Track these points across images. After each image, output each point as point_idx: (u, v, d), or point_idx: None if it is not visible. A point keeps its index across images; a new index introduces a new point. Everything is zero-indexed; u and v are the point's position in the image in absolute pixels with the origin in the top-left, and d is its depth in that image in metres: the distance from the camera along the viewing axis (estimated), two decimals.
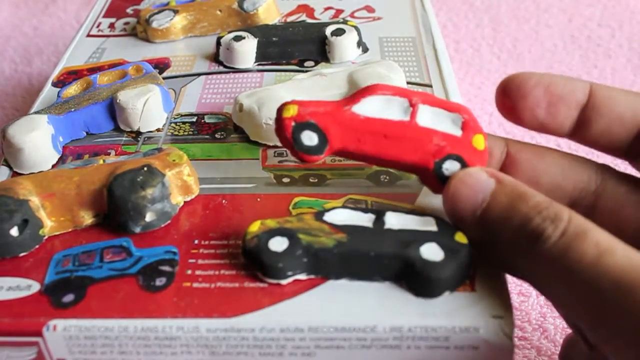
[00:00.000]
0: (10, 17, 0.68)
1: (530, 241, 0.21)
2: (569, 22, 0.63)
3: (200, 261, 0.25)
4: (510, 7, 0.66)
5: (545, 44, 0.60)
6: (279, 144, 0.31)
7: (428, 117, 0.25)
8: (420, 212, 0.26)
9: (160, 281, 0.24)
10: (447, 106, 0.25)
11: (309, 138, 0.24)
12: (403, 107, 0.25)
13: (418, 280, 0.23)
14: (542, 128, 0.26)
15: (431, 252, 0.23)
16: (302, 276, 0.24)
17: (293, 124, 0.24)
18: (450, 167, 0.25)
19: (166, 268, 0.25)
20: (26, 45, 0.63)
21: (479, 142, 0.25)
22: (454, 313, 0.22)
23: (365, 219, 0.25)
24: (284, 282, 0.24)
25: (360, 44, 0.37)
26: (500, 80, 0.26)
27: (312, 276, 0.24)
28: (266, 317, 0.23)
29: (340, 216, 0.25)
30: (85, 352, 0.23)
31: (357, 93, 0.25)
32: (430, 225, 0.24)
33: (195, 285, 0.24)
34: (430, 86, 0.34)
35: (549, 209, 0.22)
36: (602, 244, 0.20)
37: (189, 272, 0.25)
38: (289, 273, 0.24)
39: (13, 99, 0.56)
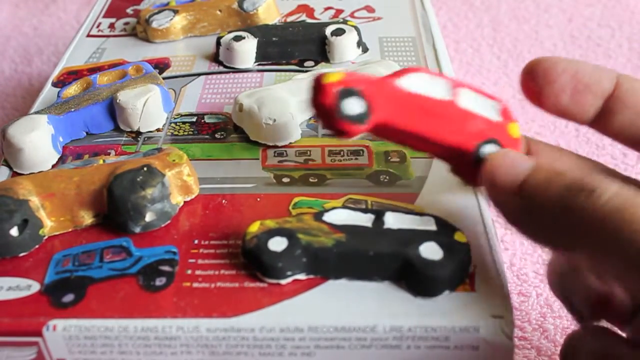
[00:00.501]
0: (10, 17, 0.68)
1: (581, 196, 0.21)
2: (569, 22, 0.63)
3: (200, 261, 0.25)
4: (510, 7, 0.66)
5: (545, 44, 0.60)
6: (279, 143, 0.31)
7: (469, 100, 0.24)
8: (420, 212, 0.26)
9: (160, 281, 0.24)
10: (485, 94, 0.25)
11: (352, 106, 0.22)
12: (446, 88, 0.24)
13: (417, 280, 0.23)
14: (564, 114, 0.25)
15: (430, 251, 0.23)
16: (301, 276, 0.24)
17: (337, 89, 0.22)
18: (489, 151, 0.24)
19: (166, 268, 0.25)
20: (26, 45, 0.63)
21: (514, 130, 0.25)
22: (454, 313, 0.22)
23: (364, 219, 0.25)
24: (283, 282, 0.24)
25: (360, 44, 0.37)
26: (527, 63, 0.26)
27: (312, 276, 0.24)
28: (266, 317, 0.23)
29: (340, 216, 0.25)
30: (85, 352, 0.23)
31: (400, 70, 0.24)
32: (429, 225, 0.24)
33: (195, 285, 0.24)
34: None
35: (592, 178, 0.21)
36: None
37: (189, 272, 0.25)
38: (289, 273, 0.24)
39: (13, 99, 0.56)
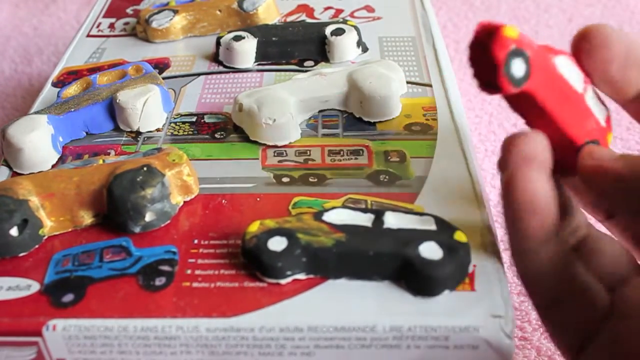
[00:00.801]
0: (10, 17, 0.68)
1: None
2: (569, 22, 0.63)
3: (199, 261, 0.25)
4: (510, 7, 0.66)
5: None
6: (278, 143, 0.31)
7: (591, 99, 0.25)
8: (419, 212, 0.26)
9: (159, 281, 0.24)
10: (600, 98, 0.25)
11: (518, 67, 0.22)
12: (580, 79, 0.24)
13: (417, 279, 0.23)
14: (609, 84, 0.25)
15: (430, 250, 0.23)
16: (301, 276, 0.24)
17: (513, 46, 0.22)
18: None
19: (166, 268, 0.25)
20: (26, 45, 0.63)
21: (610, 138, 0.25)
22: (453, 312, 0.22)
23: (364, 219, 0.25)
24: (283, 281, 0.24)
25: (360, 43, 0.37)
26: (582, 28, 0.25)
27: (311, 276, 0.24)
28: (266, 316, 0.23)
29: (340, 216, 0.25)
30: (84, 351, 0.23)
31: (552, 48, 0.24)
32: (429, 225, 0.24)
33: (194, 285, 0.24)
34: (430, 86, 0.34)
35: None
36: None
37: (189, 271, 0.25)
38: (288, 272, 0.24)
39: (13, 99, 0.56)
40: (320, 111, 0.33)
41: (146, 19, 0.40)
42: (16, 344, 0.23)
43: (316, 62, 0.37)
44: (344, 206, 0.26)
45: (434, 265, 0.23)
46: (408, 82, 0.34)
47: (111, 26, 0.42)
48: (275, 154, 0.30)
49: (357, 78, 0.32)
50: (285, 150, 0.31)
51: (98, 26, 0.43)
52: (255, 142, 0.31)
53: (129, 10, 0.44)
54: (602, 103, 0.25)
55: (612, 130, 0.25)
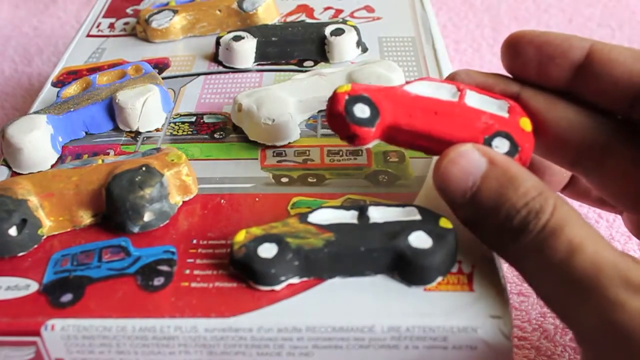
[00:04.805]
0: (10, 17, 0.68)
1: (512, 234, 0.22)
2: (569, 22, 0.63)
3: (198, 261, 0.25)
4: (510, 7, 0.66)
5: None
6: (277, 143, 0.31)
7: (475, 101, 0.25)
8: (401, 203, 0.25)
9: (158, 281, 0.24)
10: (493, 95, 0.26)
11: (361, 110, 0.25)
12: (451, 92, 0.26)
13: (410, 270, 0.23)
14: (537, 84, 0.26)
15: (420, 240, 0.23)
16: (294, 280, 0.24)
17: (346, 97, 0.25)
18: (499, 144, 0.25)
19: (164, 268, 0.25)
20: (26, 45, 0.63)
21: (525, 124, 0.25)
22: (452, 313, 0.22)
23: (349, 216, 0.25)
24: (277, 287, 0.23)
25: (359, 43, 0.37)
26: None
27: (305, 279, 0.24)
28: (264, 317, 0.23)
29: (325, 216, 0.25)
30: (83, 351, 0.23)
31: (408, 81, 0.26)
32: (413, 215, 0.24)
33: (193, 285, 0.24)
34: None
35: (535, 200, 0.22)
36: (574, 241, 0.20)
37: (187, 271, 0.25)
38: (282, 278, 0.23)
39: (13, 99, 0.56)
40: (319, 111, 0.33)
41: (146, 19, 0.40)
42: (15, 343, 0.23)
43: (316, 62, 0.37)
44: (326, 206, 0.26)
45: (425, 254, 0.23)
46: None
47: (111, 26, 0.43)
48: (275, 154, 0.30)
49: (356, 78, 0.32)
50: (284, 151, 0.31)
51: (98, 26, 0.43)
52: (255, 142, 0.31)
53: (129, 10, 0.44)
54: (499, 97, 0.26)
55: (525, 114, 0.25)
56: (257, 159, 0.30)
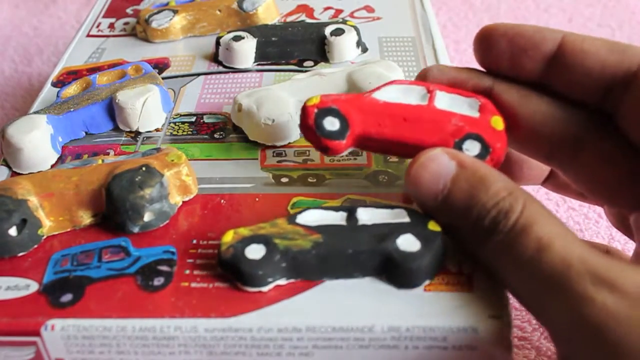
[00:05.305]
0: (10, 17, 0.68)
1: (484, 234, 0.22)
2: (569, 22, 0.63)
3: (198, 261, 0.25)
4: (510, 7, 0.66)
5: None
6: (277, 143, 0.31)
7: (445, 102, 0.26)
8: (391, 204, 0.25)
9: (158, 281, 0.24)
10: (464, 93, 0.26)
11: (331, 123, 0.25)
12: (420, 94, 0.26)
13: (399, 273, 0.23)
14: (512, 77, 0.26)
15: (407, 243, 0.23)
16: (282, 281, 0.24)
17: (316, 110, 0.25)
18: (470, 147, 0.25)
19: (164, 268, 0.25)
20: (26, 45, 0.63)
21: (497, 122, 0.25)
22: (451, 313, 0.22)
23: (337, 217, 0.25)
24: (264, 289, 0.23)
25: (359, 44, 0.37)
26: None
27: (292, 280, 0.24)
28: (264, 317, 0.23)
29: (313, 217, 0.25)
30: (83, 351, 0.23)
31: (376, 87, 0.26)
32: (402, 217, 0.24)
33: (193, 285, 0.24)
34: None
35: (505, 200, 0.22)
36: (543, 239, 0.20)
37: (187, 272, 0.25)
38: (269, 279, 0.23)
39: (13, 99, 0.56)
40: None
41: (146, 19, 0.40)
42: (14, 343, 0.23)
43: (316, 62, 0.37)
44: (315, 206, 0.26)
45: (413, 257, 0.23)
46: None
47: (111, 26, 0.43)
48: (275, 154, 0.30)
49: (356, 78, 0.32)
50: (284, 151, 0.31)
51: (98, 26, 0.43)
52: (255, 142, 0.31)
53: (129, 10, 0.44)
54: (470, 95, 0.26)
55: (497, 112, 0.25)
56: (257, 159, 0.30)
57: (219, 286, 0.24)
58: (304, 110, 0.26)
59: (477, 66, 0.27)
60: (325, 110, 0.25)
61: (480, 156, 0.25)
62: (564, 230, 0.21)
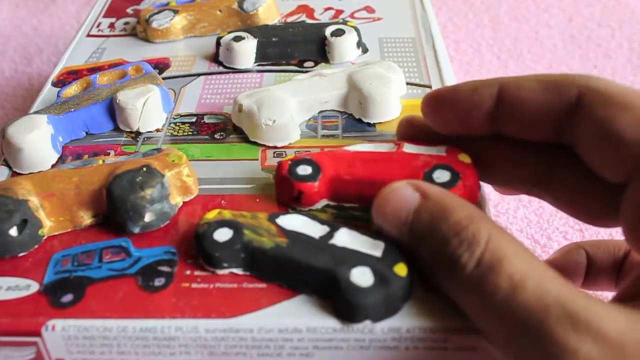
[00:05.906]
0: (10, 17, 0.68)
1: (448, 268, 0.21)
2: (569, 22, 0.63)
3: (199, 261, 0.25)
4: (510, 7, 0.66)
5: (545, 44, 0.60)
6: (278, 144, 0.31)
7: (413, 149, 0.27)
8: (376, 234, 0.24)
9: (159, 281, 0.24)
10: (429, 144, 0.27)
11: (304, 169, 0.26)
12: (389, 146, 0.27)
13: (340, 301, 0.22)
14: (465, 135, 0.26)
15: (362, 276, 0.22)
16: (238, 270, 0.24)
17: (290, 162, 0.27)
18: (440, 175, 0.25)
19: (165, 268, 0.25)
20: (26, 45, 0.63)
21: (464, 157, 0.26)
22: (452, 314, 0.22)
23: (316, 230, 0.24)
24: (219, 272, 0.24)
25: (360, 44, 0.37)
26: (421, 100, 0.26)
27: (247, 273, 0.24)
28: (264, 317, 0.23)
29: (294, 221, 0.25)
30: (83, 352, 0.23)
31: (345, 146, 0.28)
32: (375, 250, 0.23)
33: (194, 285, 0.24)
34: (430, 87, 0.34)
35: (467, 229, 0.21)
36: (515, 277, 0.19)
37: (188, 272, 0.25)
38: (225, 265, 0.24)
39: (13, 99, 0.56)
40: (320, 112, 0.33)
41: (146, 19, 0.40)
42: (15, 344, 0.23)
43: (316, 63, 0.37)
44: (304, 213, 0.26)
45: (358, 291, 0.22)
46: (408, 83, 0.34)
47: (111, 26, 0.43)
48: (275, 155, 0.30)
49: (357, 79, 0.32)
50: (284, 151, 0.31)
51: (98, 26, 0.43)
52: (255, 143, 0.31)
53: (129, 10, 0.44)
54: (436, 144, 0.27)
55: (463, 152, 0.26)
56: (257, 159, 0.30)
57: (220, 287, 0.24)
58: (279, 165, 0.27)
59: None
60: (299, 161, 0.27)
61: (452, 182, 0.25)
62: (537, 266, 0.20)
